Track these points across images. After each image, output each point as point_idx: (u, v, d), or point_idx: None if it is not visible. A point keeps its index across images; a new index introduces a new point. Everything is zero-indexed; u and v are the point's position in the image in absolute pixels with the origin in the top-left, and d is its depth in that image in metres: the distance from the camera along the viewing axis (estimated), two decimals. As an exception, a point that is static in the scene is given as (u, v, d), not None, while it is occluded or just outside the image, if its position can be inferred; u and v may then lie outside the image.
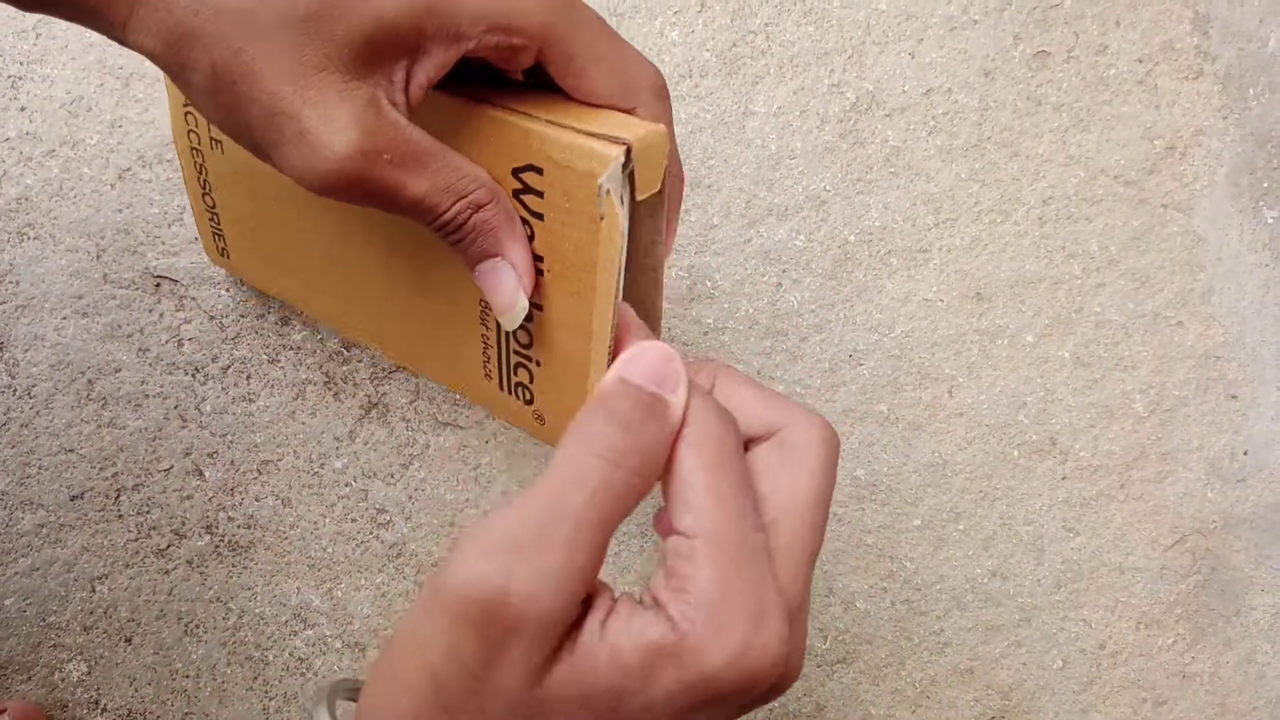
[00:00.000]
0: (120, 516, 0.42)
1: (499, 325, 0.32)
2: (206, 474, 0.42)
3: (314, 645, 0.42)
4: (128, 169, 0.42)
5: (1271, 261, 0.45)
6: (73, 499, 0.41)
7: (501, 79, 0.31)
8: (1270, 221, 0.45)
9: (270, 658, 0.42)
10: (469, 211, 0.28)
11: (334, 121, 0.25)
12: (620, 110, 0.30)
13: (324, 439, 0.42)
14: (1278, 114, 0.45)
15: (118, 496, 0.42)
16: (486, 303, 0.32)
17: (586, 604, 0.23)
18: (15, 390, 0.41)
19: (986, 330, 0.44)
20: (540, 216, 0.30)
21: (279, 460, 0.42)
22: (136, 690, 0.41)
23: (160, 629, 0.42)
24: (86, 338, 0.42)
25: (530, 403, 0.33)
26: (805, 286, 0.43)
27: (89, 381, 0.42)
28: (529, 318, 0.31)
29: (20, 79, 0.42)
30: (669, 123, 0.31)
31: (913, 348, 0.43)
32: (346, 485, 0.42)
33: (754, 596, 0.23)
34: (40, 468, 0.41)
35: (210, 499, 0.42)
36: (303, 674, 0.42)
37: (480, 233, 0.29)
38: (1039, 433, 0.44)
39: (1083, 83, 0.44)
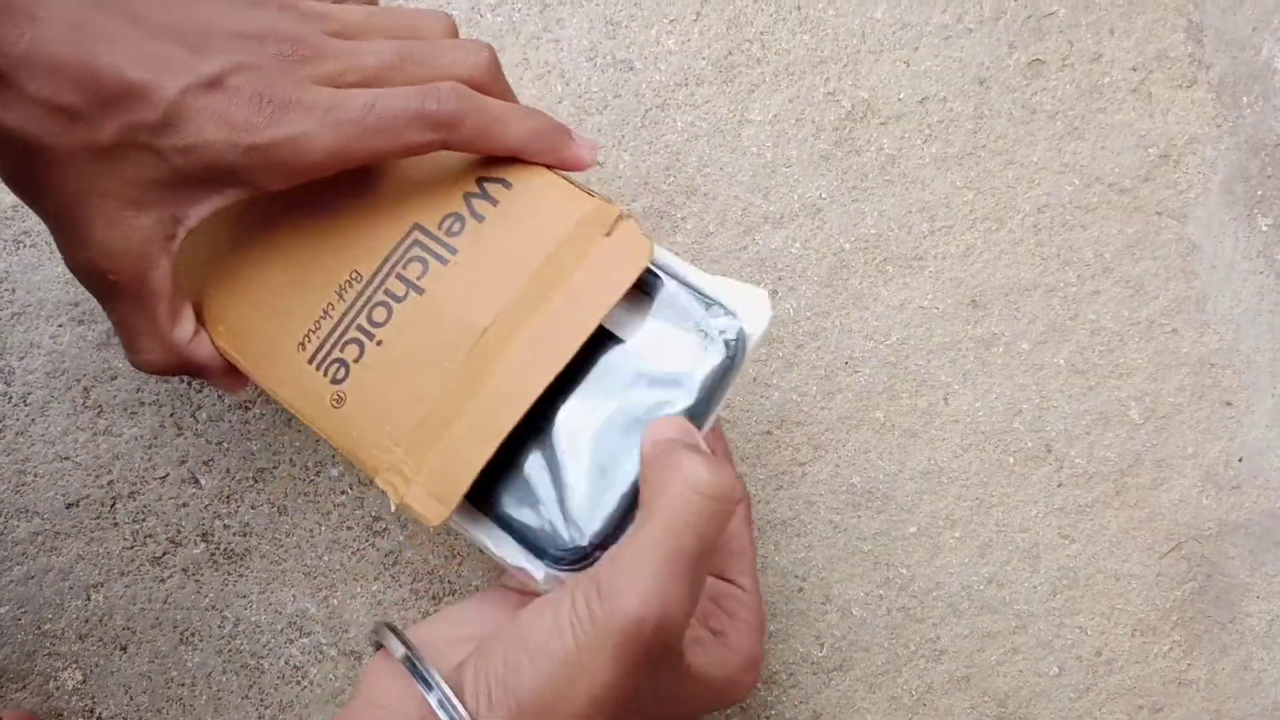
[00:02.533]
0: (116, 524, 0.41)
1: (357, 299, 0.32)
2: (202, 482, 0.42)
3: (310, 653, 0.42)
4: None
5: (1265, 269, 0.45)
6: (68, 507, 0.41)
7: None
8: (1264, 229, 0.45)
9: (266, 666, 0.42)
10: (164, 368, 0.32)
11: (94, 230, 0.28)
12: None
13: (320, 446, 0.42)
14: (1271, 122, 0.45)
15: (113, 504, 0.42)
16: (357, 274, 0.32)
17: None
18: (10, 398, 0.41)
19: (982, 337, 0.44)
20: (481, 218, 0.32)
21: (274, 468, 0.42)
22: (132, 699, 0.41)
23: (156, 637, 0.42)
24: (82, 345, 0.42)
25: (339, 382, 0.31)
26: (801, 294, 0.43)
27: (85, 389, 0.42)
28: (399, 299, 0.31)
29: (17, 87, 0.42)
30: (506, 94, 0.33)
31: (908, 355, 0.43)
32: (342, 493, 0.42)
33: (764, 638, 0.32)
34: (36, 475, 0.41)
35: (206, 507, 0.42)
36: (298, 682, 0.42)
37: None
38: (1034, 440, 0.44)
39: (1077, 91, 0.45)
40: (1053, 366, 0.44)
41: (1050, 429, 0.44)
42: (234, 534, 0.42)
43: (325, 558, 0.42)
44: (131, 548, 0.42)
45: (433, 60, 0.31)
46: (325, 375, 0.32)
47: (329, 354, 0.32)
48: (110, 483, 0.42)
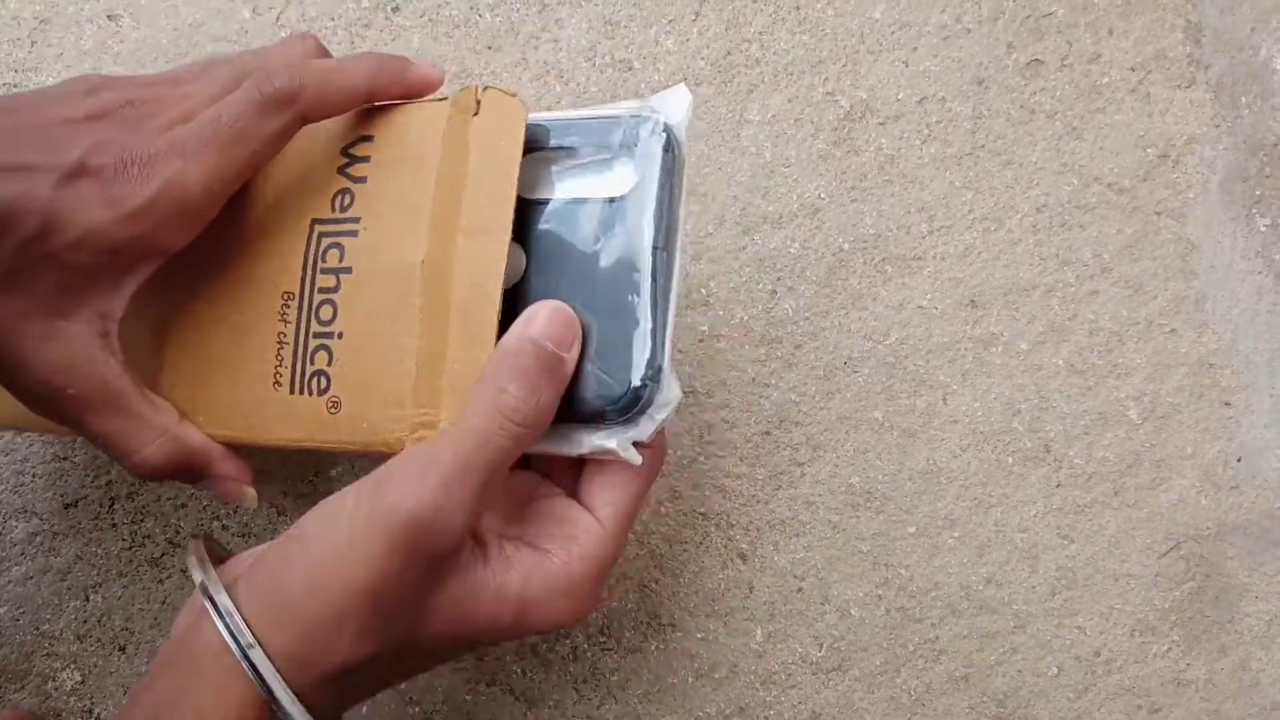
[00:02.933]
0: (114, 525, 0.41)
1: (300, 312, 0.32)
2: (201, 482, 0.42)
3: (308, 654, 0.42)
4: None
5: (1264, 268, 0.45)
6: (66, 507, 0.41)
7: None
8: (1263, 229, 0.45)
9: (264, 666, 0.42)
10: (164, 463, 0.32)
11: (32, 354, 0.29)
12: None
13: (319, 447, 0.42)
14: (1269, 122, 0.45)
15: (111, 505, 0.42)
16: (289, 294, 0.32)
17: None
18: (9, 398, 0.41)
19: (980, 338, 0.44)
20: (364, 180, 0.32)
21: (273, 469, 0.42)
22: (130, 699, 0.41)
23: (154, 638, 0.42)
24: (81, 346, 0.42)
25: (325, 391, 0.32)
26: (800, 294, 0.43)
27: (83, 389, 0.41)
28: (334, 289, 0.31)
29: (15, 87, 0.42)
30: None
31: (907, 355, 0.43)
32: (341, 493, 0.42)
33: (601, 580, 0.31)
34: (34, 476, 0.41)
35: (204, 508, 0.42)
36: (297, 682, 0.42)
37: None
38: (1033, 440, 0.44)
39: (1076, 91, 0.45)
40: (1051, 366, 0.44)
41: (1049, 429, 0.44)
42: (233, 535, 0.42)
43: (324, 558, 0.42)
44: (130, 548, 0.42)
45: (263, 60, 0.32)
46: (312, 394, 0.32)
47: (304, 374, 0.32)
48: (109, 483, 0.42)
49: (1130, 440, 0.44)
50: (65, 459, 0.41)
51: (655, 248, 0.29)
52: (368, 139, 0.32)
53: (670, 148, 0.30)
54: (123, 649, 0.41)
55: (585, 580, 0.30)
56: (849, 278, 0.43)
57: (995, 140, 0.44)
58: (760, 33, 0.44)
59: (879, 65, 0.44)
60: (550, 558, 0.30)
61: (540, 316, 0.29)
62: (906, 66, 0.44)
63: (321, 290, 0.32)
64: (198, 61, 0.33)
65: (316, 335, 0.32)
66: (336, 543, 0.27)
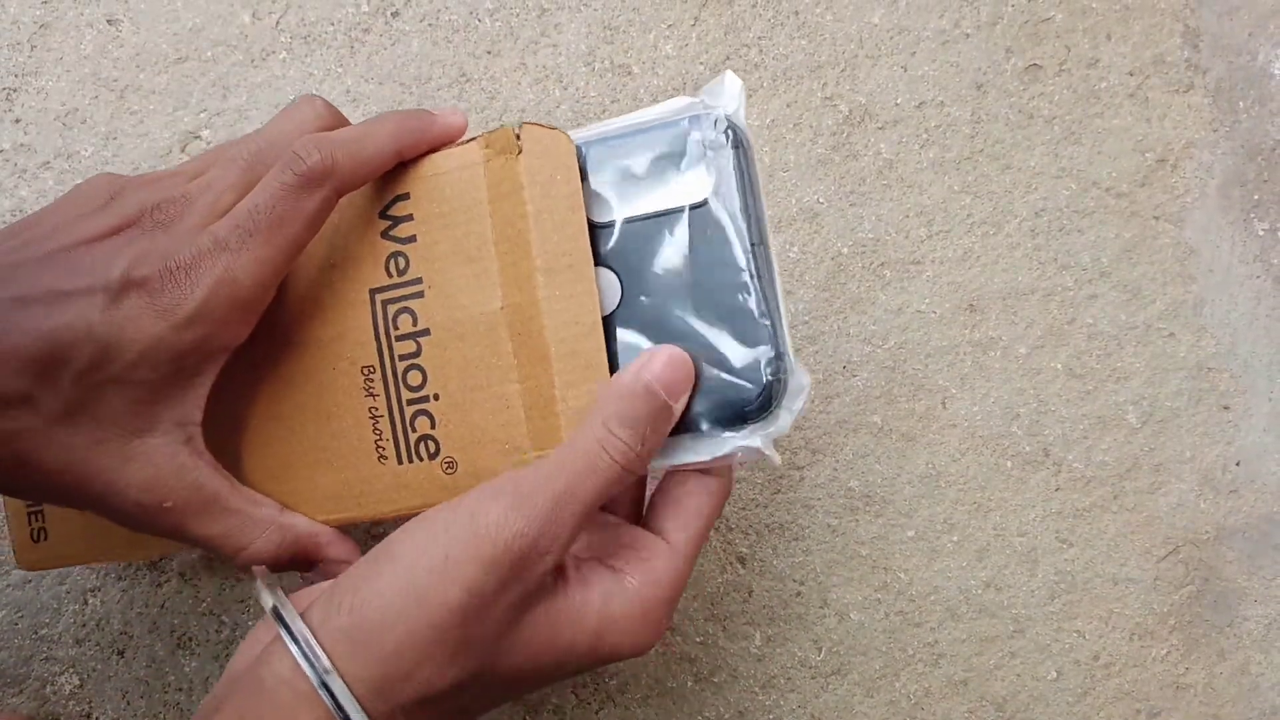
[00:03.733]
0: (113, 529, 0.41)
1: (387, 384, 0.31)
2: (200, 486, 0.42)
3: (307, 658, 0.42)
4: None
5: (1263, 273, 0.45)
6: (65, 511, 0.41)
7: None
8: (1261, 234, 0.45)
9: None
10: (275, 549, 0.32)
11: (116, 477, 0.28)
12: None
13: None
14: (1268, 127, 0.46)
15: (111, 509, 0.42)
16: (369, 368, 0.32)
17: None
18: (8, 402, 0.41)
19: (979, 342, 0.44)
20: (413, 239, 0.32)
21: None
22: (129, 703, 0.41)
23: (153, 642, 0.42)
24: (80, 350, 0.42)
25: (436, 454, 0.31)
26: (799, 298, 0.43)
27: (82, 393, 0.41)
28: (416, 353, 0.31)
29: (15, 91, 0.42)
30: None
31: (906, 359, 0.43)
32: (340, 497, 0.42)
33: (674, 605, 0.30)
34: (33, 480, 0.41)
35: (204, 511, 0.42)
36: (296, 687, 0.42)
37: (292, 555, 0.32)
38: (1032, 444, 0.44)
39: (1074, 96, 0.45)
40: (1050, 371, 0.44)
41: (1048, 433, 0.44)
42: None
43: (323, 562, 0.42)
44: (129, 552, 0.42)
45: (276, 136, 0.31)
46: (422, 460, 0.31)
47: (409, 442, 0.32)
48: (108, 487, 0.42)
49: (1129, 444, 0.44)
50: (64, 463, 0.41)
51: (752, 244, 0.29)
52: (404, 197, 0.32)
53: (739, 141, 0.29)
54: (121, 653, 0.41)
55: (660, 604, 0.29)
56: (848, 282, 0.44)
57: (994, 145, 0.44)
58: (759, 38, 0.44)
59: (877, 70, 0.44)
60: (626, 579, 0.29)
61: (658, 360, 0.28)
62: (905, 71, 0.44)
63: (403, 358, 0.31)
64: (204, 153, 0.33)
65: (411, 402, 0.31)
66: (433, 562, 0.26)
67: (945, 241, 0.44)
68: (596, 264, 0.30)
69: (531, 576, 0.27)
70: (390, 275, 0.32)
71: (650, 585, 0.29)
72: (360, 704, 0.25)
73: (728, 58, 0.44)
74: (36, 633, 0.41)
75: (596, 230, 0.30)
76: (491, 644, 0.27)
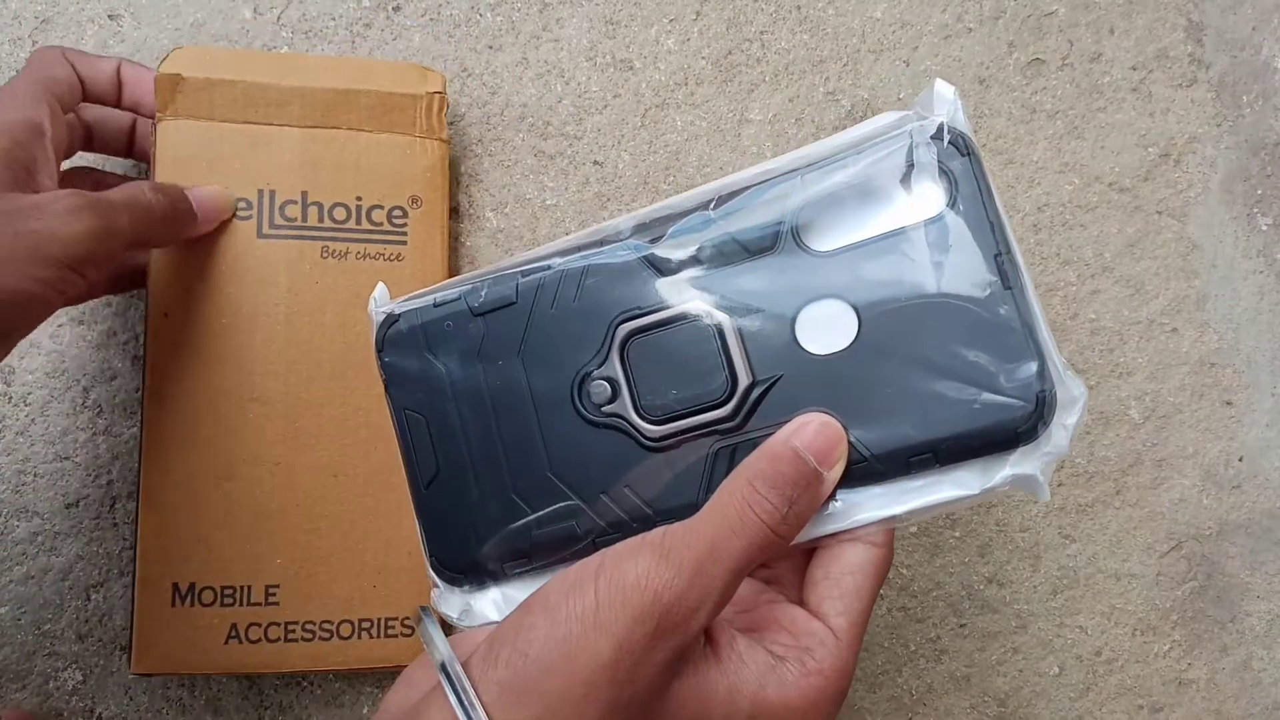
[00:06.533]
0: (115, 524, 0.41)
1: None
2: (202, 482, 0.42)
3: (309, 653, 0.42)
4: (122, 176, 0.42)
5: (1265, 268, 0.45)
6: (68, 507, 0.41)
7: None
8: (1264, 228, 0.45)
9: (266, 666, 0.42)
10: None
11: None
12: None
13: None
14: (1271, 121, 0.45)
15: (113, 504, 0.41)
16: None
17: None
18: (11, 398, 0.41)
19: (982, 337, 0.44)
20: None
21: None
22: (131, 699, 0.41)
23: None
24: (82, 345, 0.42)
25: None
26: (801, 293, 0.43)
27: (84, 389, 0.41)
28: None
29: (16, 87, 0.42)
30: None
31: (908, 354, 0.43)
32: (342, 493, 0.42)
33: (841, 700, 0.28)
34: (35, 475, 0.41)
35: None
36: (297, 684, 0.42)
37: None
38: (1035, 439, 0.44)
39: (1077, 90, 0.44)
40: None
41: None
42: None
43: (325, 558, 0.42)
44: (131, 548, 0.42)
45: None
46: None
47: None
48: (110, 483, 0.42)
49: (1131, 439, 0.44)
50: (67, 459, 0.41)
51: (998, 254, 0.26)
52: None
53: (967, 147, 0.27)
54: (124, 649, 0.41)
55: (825, 701, 0.27)
56: (850, 277, 0.43)
57: (996, 139, 0.44)
58: (761, 32, 0.44)
59: (880, 64, 0.44)
60: (786, 667, 0.27)
61: (809, 429, 0.27)
62: (908, 66, 0.44)
63: None
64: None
65: None
66: (583, 610, 0.26)
67: (948, 236, 0.44)
68: (827, 295, 0.27)
69: (681, 633, 0.26)
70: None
71: (814, 676, 0.27)
72: None
73: (730, 52, 0.44)
74: (39, 628, 0.41)
75: (821, 260, 0.27)
76: (640, 707, 0.26)
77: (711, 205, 0.28)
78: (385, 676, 0.41)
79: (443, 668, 0.26)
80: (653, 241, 0.28)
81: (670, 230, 0.28)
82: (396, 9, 0.43)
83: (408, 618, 0.39)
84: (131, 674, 0.39)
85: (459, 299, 0.29)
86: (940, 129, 0.27)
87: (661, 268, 0.28)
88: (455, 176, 0.43)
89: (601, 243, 0.28)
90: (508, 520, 0.29)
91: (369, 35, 0.43)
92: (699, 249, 0.28)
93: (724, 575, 0.26)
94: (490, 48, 0.44)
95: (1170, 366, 0.44)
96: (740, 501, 0.27)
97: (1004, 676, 0.43)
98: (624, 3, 0.44)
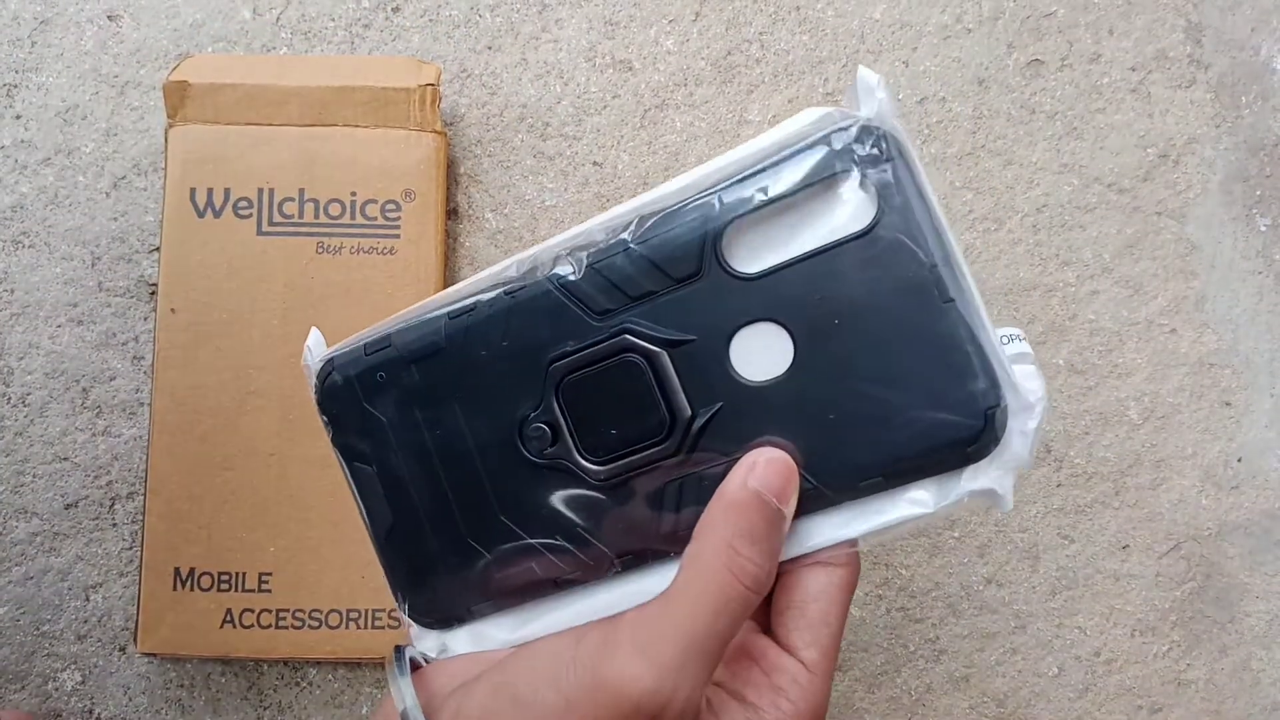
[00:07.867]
0: (114, 525, 0.41)
1: None
2: (201, 482, 0.42)
3: (309, 654, 0.42)
4: (123, 177, 0.42)
5: (1264, 269, 0.45)
6: (67, 507, 0.41)
7: None
8: (1263, 229, 0.45)
9: (264, 667, 0.42)
10: None
11: None
12: None
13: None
14: (1270, 122, 0.45)
15: (112, 505, 0.42)
16: None
17: None
18: (10, 398, 0.41)
19: (981, 338, 0.44)
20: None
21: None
22: (130, 699, 0.41)
23: (154, 638, 0.42)
24: (81, 346, 0.42)
25: None
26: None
27: (83, 390, 0.41)
28: None
29: (15, 87, 0.42)
30: None
31: (907, 355, 0.43)
32: (341, 493, 0.42)
33: None
34: (34, 476, 0.41)
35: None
36: (297, 684, 0.42)
37: None
38: (1034, 440, 0.44)
39: (1076, 91, 0.45)
40: (1052, 366, 0.44)
41: (1049, 429, 0.44)
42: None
43: (324, 558, 0.42)
44: (130, 548, 0.42)
45: None
46: None
47: None
48: (109, 483, 0.42)
49: (1130, 440, 0.44)
50: (66, 459, 0.41)
51: (933, 265, 0.24)
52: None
53: (895, 148, 0.24)
54: (123, 649, 0.41)
55: None
56: (849, 278, 0.43)
57: (995, 140, 0.44)
58: (760, 33, 0.44)
59: (879, 65, 0.44)
60: (761, 715, 0.26)
61: (759, 467, 0.25)
62: (907, 66, 0.44)
63: None
64: None
65: None
66: (550, 709, 0.24)
67: (947, 237, 0.44)
68: (759, 319, 0.26)
69: None
70: None
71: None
72: None
73: (729, 53, 0.44)
74: (38, 629, 0.41)
75: (750, 284, 0.26)
76: None
77: (629, 229, 0.26)
78: (380, 673, 0.41)
79: (403, 717, 0.25)
80: (575, 274, 0.26)
81: (590, 262, 0.26)
82: (395, 10, 0.44)
83: (394, 613, 0.39)
84: (139, 654, 0.39)
85: (389, 346, 0.28)
86: (861, 131, 0.24)
87: (588, 302, 0.26)
88: (454, 177, 0.43)
89: (525, 275, 0.27)
90: (466, 565, 0.28)
91: (368, 36, 0.43)
92: (623, 280, 0.26)
93: (713, 662, 0.24)
94: (489, 48, 0.44)
95: (1169, 367, 0.44)
96: (725, 573, 0.25)
97: (1003, 677, 0.43)
98: (623, 3, 0.44)
